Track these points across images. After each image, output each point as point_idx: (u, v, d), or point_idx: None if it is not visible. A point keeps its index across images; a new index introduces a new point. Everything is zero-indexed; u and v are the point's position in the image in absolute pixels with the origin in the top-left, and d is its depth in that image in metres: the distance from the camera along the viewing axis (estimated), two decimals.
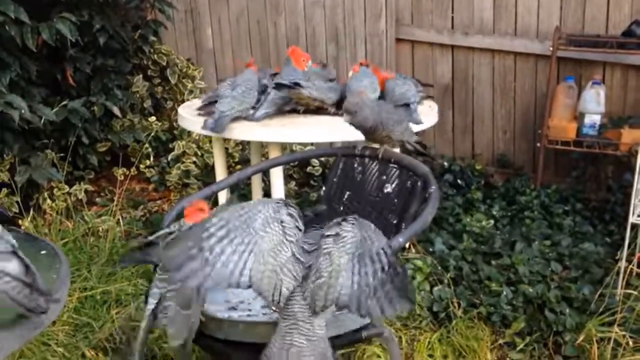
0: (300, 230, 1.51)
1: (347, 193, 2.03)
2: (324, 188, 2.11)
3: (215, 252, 1.37)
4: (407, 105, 2.59)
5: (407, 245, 2.84)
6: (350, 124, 1.92)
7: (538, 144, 3.64)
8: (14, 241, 1.04)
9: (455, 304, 2.60)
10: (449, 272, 2.72)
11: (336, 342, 1.60)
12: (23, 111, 2.82)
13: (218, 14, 4.34)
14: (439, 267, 2.73)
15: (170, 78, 3.96)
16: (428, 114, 2.84)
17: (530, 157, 3.93)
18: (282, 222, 1.48)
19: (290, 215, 1.51)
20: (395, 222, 1.88)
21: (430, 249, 2.90)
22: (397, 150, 2.17)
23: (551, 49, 3.53)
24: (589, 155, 3.55)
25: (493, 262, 2.83)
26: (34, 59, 3.13)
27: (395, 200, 1.92)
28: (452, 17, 3.94)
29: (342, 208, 2.02)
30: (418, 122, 2.57)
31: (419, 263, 2.68)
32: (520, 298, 2.62)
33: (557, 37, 3.49)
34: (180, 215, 1.80)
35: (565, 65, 3.68)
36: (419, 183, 1.87)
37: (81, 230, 2.90)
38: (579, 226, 3.27)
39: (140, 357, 1.88)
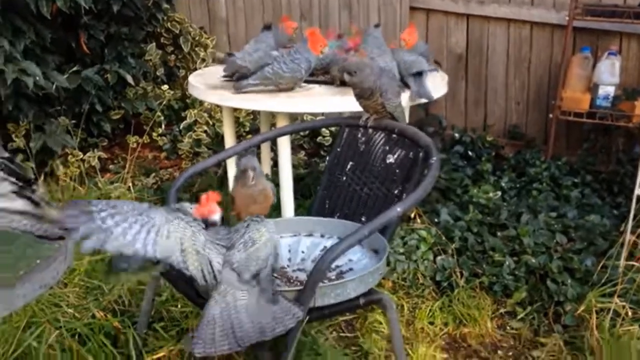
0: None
1: (350, 163, 2.06)
2: (327, 157, 2.14)
3: (110, 223, 1.37)
4: (419, 73, 2.59)
5: (412, 216, 2.87)
6: (349, 84, 1.93)
7: (550, 116, 3.62)
8: (16, 180, 1.07)
9: (458, 274, 2.64)
10: (453, 243, 2.75)
11: (335, 308, 1.65)
12: (37, 78, 2.87)
13: None
14: (444, 238, 2.76)
15: (183, 46, 3.98)
16: (438, 85, 2.83)
17: (542, 128, 3.91)
18: (179, 217, 1.52)
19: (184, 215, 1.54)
20: (396, 192, 1.91)
21: (436, 220, 2.92)
22: None
23: (567, 18, 3.48)
24: (600, 127, 3.52)
25: (498, 234, 2.85)
26: (48, 26, 3.17)
27: (397, 171, 1.95)
28: None
29: (344, 178, 2.06)
30: (429, 98, 2.57)
31: (424, 233, 2.71)
32: (523, 268, 2.65)
33: (574, 7, 3.44)
34: (187, 184, 1.84)
35: (582, 36, 3.63)
36: (421, 154, 1.89)
37: (94, 197, 2.97)
38: (587, 198, 3.27)
39: (147, 316, 1.96)
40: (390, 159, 1.97)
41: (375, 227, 1.60)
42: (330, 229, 1.95)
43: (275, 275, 1.76)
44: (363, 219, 1.95)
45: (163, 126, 3.80)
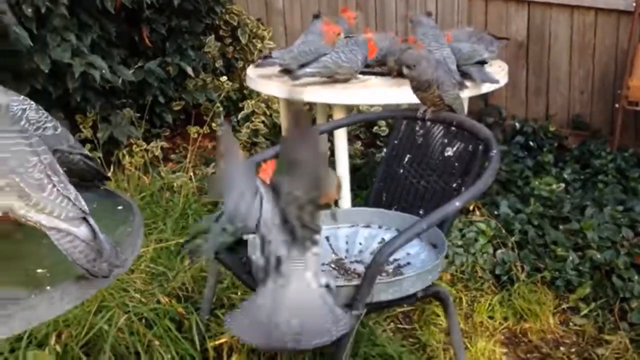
0: None
1: (408, 156, 2.05)
2: (384, 150, 2.14)
3: None
4: (481, 63, 2.55)
5: (470, 208, 2.84)
6: (407, 76, 1.93)
7: (617, 105, 3.49)
8: (86, 207, 1.11)
9: (519, 268, 2.59)
10: (513, 236, 2.70)
11: (393, 302, 1.65)
12: (104, 71, 2.97)
13: None
14: (504, 231, 2.72)
15: (240, 38, 4.03)
16: (498, 74, 2.78)
17: (608, 118, 3.78)
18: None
19: None
20: (455, 185, 1.89)
21: (495, 212, 2.87)
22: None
23: (635, 4, 3.34)
24: None
25: (561, 227, 2.79)
26: (112, 20, 3.27)
27: (456, 164, 1.93)
28: None
29: (402, 171, 2.05)
30: (494, 82, 2.53)
31: (483, 226, 2.67)
32: (587, 264, 2.58)
33: None
34: None
35: None
36: (481, 147, 1.86)
37: (157, 186, 3.06)
38: None
39: (209, 303, 2.01)
40: (449, 152, 1.95)
41: (434, 221, 1.59)
42: (388, 221, 1.95)
43: (333, 266, 1.79)
44: (421, 212, 1.93)
45: (222, 117, 3.87)
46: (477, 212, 2.88)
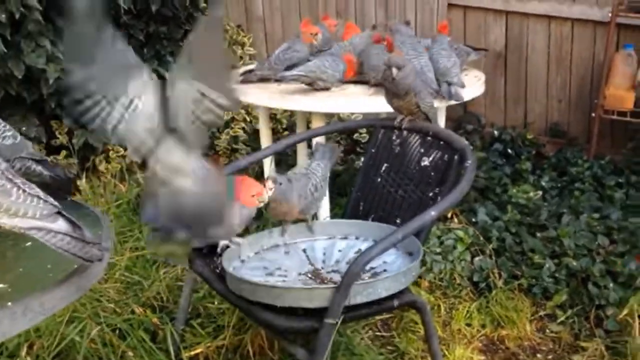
0: None
1: (385, 165, 2.05)
2: (362, 159, 2.14)
3: None
4: (448, 83, 2.56)
5: (449, 215, 2.85)
6: (391, 80, 1.92)
7: (593, 114, 3.53)
8: (56, 202, 1.10)
9: (496, 275, 2.60)
10: (491, 243, 2.72)
11: (369, 310, 1.65)
12: None
13: None
14: (481, 238, 2.73)
15: None
16: (474, 85, 2.80)
17: (585, 127, 3.82)
18: None
19: None
20: (431, 194, 1.90)
21: (473, 220, 2.89)
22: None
23: (610, 15, 3.39)
24: None
25: (538, 234, 2.81)
26: None
27: (432, 173, 1.93)
28: None
29: (379, 179, 2.05)
30: (459, 100, 2.55)
31: (461, 233, 2.68)
32: (564, 271, 2.60)
33: (618, 3, 3.35)
34: None
35: (625, 33, 3.53)
36: (456, 157, 1.87)
37: (134, 193, 3.03)
38: (632, 199, 3.18)
39: (185, 313, 1.99)
40: (425, 162, 1.96)
41: (409, 231, 1.60)
42: (366, 232, 1.95)
43: (310, 276, 1.78)
44: (398, 221, 1.94)
45: None
46: (455, 220, 2.90)
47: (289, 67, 2.63)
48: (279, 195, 1.80)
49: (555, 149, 3.84)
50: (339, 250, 1.92)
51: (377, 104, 2.49)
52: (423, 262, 2.67)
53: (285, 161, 3.36)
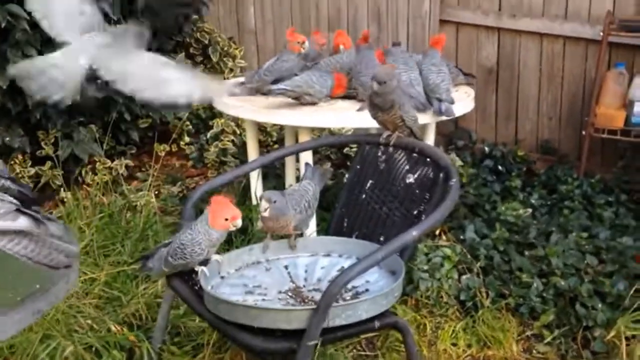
0: None
1: (370, 181, 2.02)
2: (347, 175, 2.11)
3: None
4: (438, 99, 2.55)
5: (437, 232, 2.82)
6: (373, 94, 1.91)
7: (584, 132, 3.52)
8: (15, 200, 1.05)
9: (484, 294, 2.57)
10: (479, 262, 2.69)
11: (350, 331, 1.61)
12: None
13: None
14: (469, 256, 2.70)
15: (212, 56, 4.00)
16: (463, 101, 2.78)
17: (576, 144, 3.80)
18: None
19: None
20: (415, 212, 1.87)
21: (461, 237, 2.86)
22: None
23: (602, 34, 3.38)
24: (637, 145, 3.41)
25: (526, 253, 2.78)
26: None
27: (417, 191, 1.91)
28: None
29: (364, 196, 2.02)
30: (450, 115, 2.53)
31: (448, 251, 2.65)
32: (551, 290, 2.57)
33: (609, 22, 3.35)
34: (202, 199, 1.85)
35: (617, 51, 3.53)
36: (441, 174, 1.84)
37: (118, 205, 2.99)
38: (621, 219, 3.16)
39: (162, 331, 1.95)
40: (410, 179, 1.93)
41: (390, 251, 1.57)
42: (349, 249, 1.92)
43: (290, 294, 1.74)
44: (381, 239, 1.91)
45: (191, 135, 3.82)
46: (444, 237, 2.87)
47: (278, 80, 2.62)
48: (275, 212, 1.79)
49: (546, 166, 3.82)
50: (322, 268, 1.88)
51: (364, 119, 2.47)
52: (410, 280, 2.64)
53: (272, 174, 3.33)
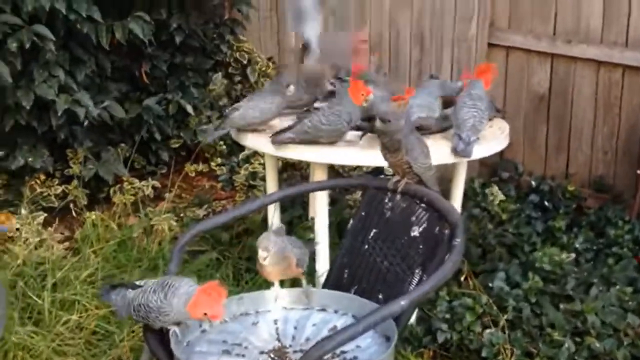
0: None
1: (374, 230, 1.87)
2: (351, 221, 1.97)
3: None
4: (459, 137, 2.35)
5: (462, 278, 2.63)
6: (380, 131, 1.77)
7: (638, 171, 3.23)
8: None
9: (508, 352, 2.36)
10: (506, 314, 2.48)
11: None
12: (90, 108, 2.90)
13: None
14: (495, 308, 2.49)
15: (250, 76, 3.94)
16: (497, 138, 2.59)
17: (632, 183, 3.50)
18: None
19: None
20: (417, 271, 1.71)
21: (489, 284, 2.65)
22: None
23: None
24: None
25: (561, 306, 2.54)
26: (112, 55, 3.21)
27: (421, 246, 1.74)
28: (555, 23, 3.57)
29: (366, 247, 1.87)
30: (466, 156, 2.34)
31: (470, 302, 2.45)
32: (584, 353, 2.33)
33: None
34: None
35: None
36: (447, 231, 1.67)
37: (141, 227, 2.96)
38: None
39: None
40: (415, 231, 1.77)
41: (372, 323, 1.41)
42: (345, 306, 1.77)
43: (272, 356, 1.62)
44: (380, 296, 1.75)
45: (223, 156, 3.77)
46: (470, 281, 2.67)
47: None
48: (276, 256, 1.72)
49: (598, 204, 3.53)
50: (313, 325, 1.75)
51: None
52: (428, 329, 2.47)
53: (299, 201, 3.21)
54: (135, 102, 3.40)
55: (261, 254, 1.71)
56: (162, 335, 1.59)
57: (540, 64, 3.67)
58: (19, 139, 2.97)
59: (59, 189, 3.09)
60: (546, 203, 3.52)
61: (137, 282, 1.64)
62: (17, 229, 2.66)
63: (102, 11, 2.93)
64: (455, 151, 2.32)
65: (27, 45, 2.66)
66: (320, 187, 2.26)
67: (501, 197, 3.40)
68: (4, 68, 2.58)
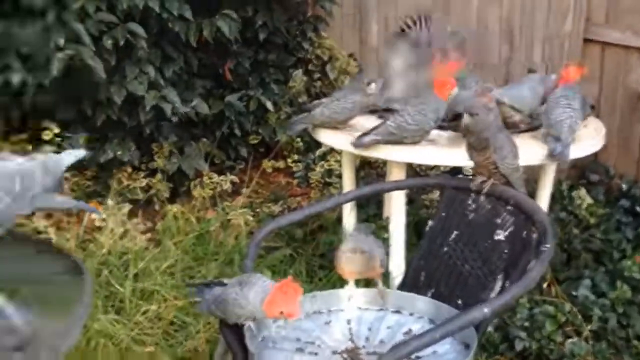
0: None
1: (455, 233, 1.81)
2: (430, 222, 1.91)
3: None
4: (555, 139, 2.24)
5: (544, 285, 2.51)
6: (465, 126, 1.70)
7: None
8: None
9: None
10: (590, 324, 2.35)
11: None
12: (177, 105, 2.98)
13: (385, 11, 4.19)
14: (579, 317, 2.36)
15: (329, 74, 3.93)
16: (592, 138, 2.45)
17: None
18: None
19: None
20: (500, 276, 1.64)
21: (574, 292, 2.51)
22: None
23: None
24: None
25: None
26: (199, 52, 3.28)
27: (506, 251, 1.67)
28: None
29: (446, 249, 1.81)
30: (563, 159, 2.22)
31: (552, 310, 2.33)
32: None
33: None
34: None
35: None
36: (535, 235, 1.59)
37: (215, 223, 3.01)
38: None
39: None
40: (500, 235, 1.70)
41: (451, 330, 1.36)
42: (421, 309, 1.73)
43: (345, 356, 1.60)
44: (459, 301, 1.69)
45: (301, 152, 3.78)
46: (552, 289, 2.55)
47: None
48: (365, 254, 1.69)
49: None
50: (388, 327, 1.71)
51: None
52: (505, 336, 2.37)
53: (374, 200, 3.16)
54: (218, 98, 3.46)
55: (349, 253, 1.68)
56: (237, 329, 1.60)
57: (638, 60, 3.45)
58: (109, 133, 3.09)
59: (144, 182, 3.18)
60: (637, 208, 3.32)
61: (225, 280, 1.66)
62: (104, 219, 2.77)
63: (192, 9, 3.00)
64: (552, 154, 2.21)
65: (122, 43, 2.76)
66: (397, 187, 2.21)
67: (589, 200, 3.23)
68: (99, 64, 2.69)
